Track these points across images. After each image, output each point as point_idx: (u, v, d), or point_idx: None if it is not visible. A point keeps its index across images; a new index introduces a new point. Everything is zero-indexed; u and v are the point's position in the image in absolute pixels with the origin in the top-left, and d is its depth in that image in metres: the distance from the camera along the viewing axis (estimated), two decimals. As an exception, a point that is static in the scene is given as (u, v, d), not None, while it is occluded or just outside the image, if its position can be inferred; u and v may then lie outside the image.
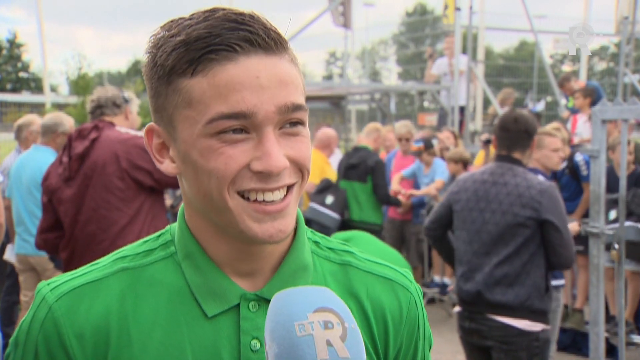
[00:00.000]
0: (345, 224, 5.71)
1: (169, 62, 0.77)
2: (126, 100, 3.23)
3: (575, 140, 6.48)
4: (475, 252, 3.13)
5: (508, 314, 3.04)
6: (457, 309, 3.26)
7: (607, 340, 4.50)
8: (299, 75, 0.81)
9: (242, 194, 0.78)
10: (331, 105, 12.36)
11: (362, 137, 6.32)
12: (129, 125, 3.22)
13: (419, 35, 18.27)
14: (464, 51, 9.38)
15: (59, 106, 10.43)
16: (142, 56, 0.82)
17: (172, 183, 2.97)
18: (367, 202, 5.73)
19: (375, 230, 5.64)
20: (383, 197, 5.75)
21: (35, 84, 27.33)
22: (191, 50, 0.76)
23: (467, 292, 3.13)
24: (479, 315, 3.11)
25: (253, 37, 0.76)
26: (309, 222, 5.74)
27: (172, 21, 0.80)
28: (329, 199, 5.69)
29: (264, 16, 0.80)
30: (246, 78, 0.75)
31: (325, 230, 5.59)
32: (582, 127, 6.87)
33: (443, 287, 6.77)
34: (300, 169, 0.81)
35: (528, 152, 3.18)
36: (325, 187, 5.81)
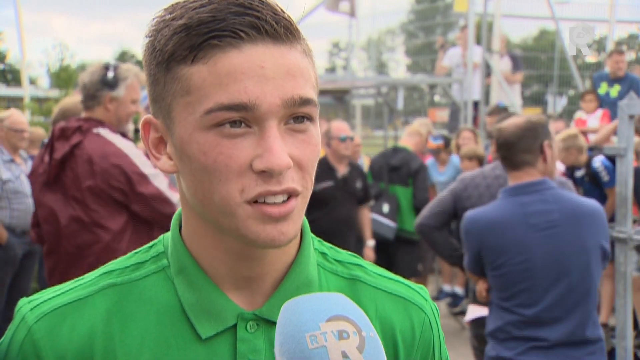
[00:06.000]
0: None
1: (169, 48, 0.76)
2: (109, 85, 2.87)
3: (590, 140, 6.51)
4: None
5: None
6: (469, 316, 3.26)
7: (635, 355, 4.50)
8: (311, 68, 0.80)
9: (249, 202, 0.77)
10: (334, 100, 12.36)
11: (403, 138, 6.25)
12: (113, 118, 2.90)
13: (430, 24, 18.23)
14: (479, 42, 9.37)
15: (38, 100, 10.40)
16: (142, 42, 0.81)
17: (145, 214, 2.82)
18: (408, 208, 5.48)
19: (414, 241, 5.47)
20: (422, 203, 5.31)
21: (12, 76, 27.23)
22: (192, 36, 0.75)
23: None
24: None
25: (260, 23, 0.75)
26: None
27: (176, 3, 0.79)
28: (386, 207, 5.42)
29: (275, 1, 0.78)
30: (250, 67, 0.74)
31: (383, 242, 5.40)
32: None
33: (454, 297, 6.78)
34: (304, 175, 0.79)
35: None
36: (379, 193, 5.53)
